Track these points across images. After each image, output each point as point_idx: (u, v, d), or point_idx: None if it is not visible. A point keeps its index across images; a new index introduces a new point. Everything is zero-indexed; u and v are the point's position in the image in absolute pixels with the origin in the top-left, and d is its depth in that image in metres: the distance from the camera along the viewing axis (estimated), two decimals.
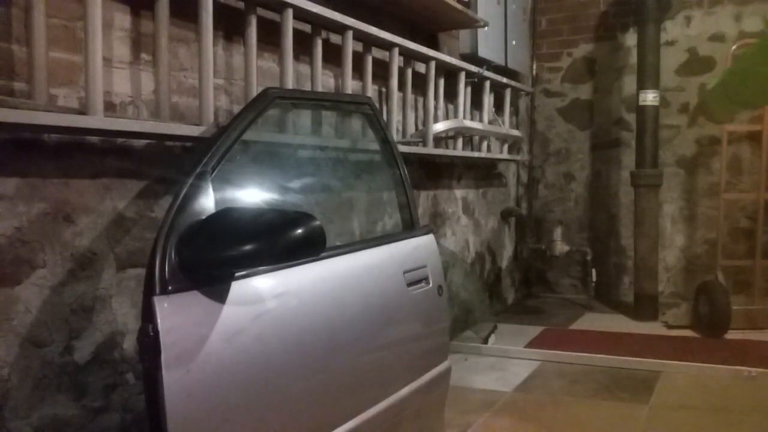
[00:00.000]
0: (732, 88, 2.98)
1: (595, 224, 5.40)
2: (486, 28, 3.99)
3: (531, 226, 5.54)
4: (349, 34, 2.71)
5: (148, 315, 1.34)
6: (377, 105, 2.53)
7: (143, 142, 2.02)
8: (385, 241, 2.13)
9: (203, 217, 1.47)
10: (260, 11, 2.34)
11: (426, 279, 2.14)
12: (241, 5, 2.30)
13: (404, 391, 2.00)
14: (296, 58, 2.56)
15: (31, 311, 1.74)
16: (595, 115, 5.36)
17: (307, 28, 2.61)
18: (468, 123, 3.88)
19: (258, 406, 1.51)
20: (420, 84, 3.49)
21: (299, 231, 1.44)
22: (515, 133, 4.72)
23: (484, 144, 4.25)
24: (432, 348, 2.20)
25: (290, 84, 2.40)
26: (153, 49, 2.02)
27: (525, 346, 3.93)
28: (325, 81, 2.80)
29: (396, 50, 3.06)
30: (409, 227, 2.25)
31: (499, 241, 5.03)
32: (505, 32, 4.46)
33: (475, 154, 4.14)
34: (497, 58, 4.35)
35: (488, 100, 4.19)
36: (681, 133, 4.99)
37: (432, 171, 3.94)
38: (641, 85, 4.57)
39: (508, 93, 4.53)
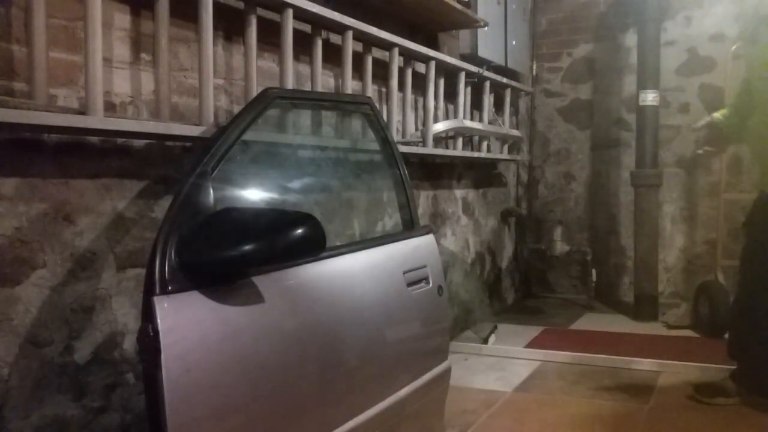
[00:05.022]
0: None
1: (595, 224, 5.40)
2: (486, 28, 3.98)
3: (531, 226, 5.54)
4: (349, 34, 2.71)
5: (148, 315, 1.34)
6: (377, 105, 2.52)
7: (143, 142, 2.02)
8: (385, 241, 2.13)
9: (203, 217, 1.47)
10: (260, 11, 2.34)
11: (426, 279, 2.14)
12: (241, 5, 2.30)
13: (404, 391, 2.00)
14: (296, 58, 2.56)
15: (31, 311, 1.74)
16: (595, 115, 5.36)
17: (307, 28, 2.61)
18: (468, 123, 3.88)
19: (258, 406, 1.51)
20: (420, 84, 3.48)
21: (299, 231, 1.44)
22: (515, 133, 4.72)
23: (484, 144, 4.25)
24: (432, 348, 2.20)
25: (290, 84, 2.40)
26: (153, 49, 2.02)
27: (525, 346, 3.93)
28: (325, 81, 2.80)
29: (396, 50, 3.06)
30: (409, 227, 2.25)
31: (499, 241, 5.03)
32: (505, 32, 4.46)
33: (475, 154, 4.14)
34: (497, 58, 4.35)
35: (488, 100, 4.19)
36: (681, 133, 4.99)
37: (432, 171, 3.94)
38: (641, 85, 4.57)
39: (508, 93, 4.53)
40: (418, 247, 2.18)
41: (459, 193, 4.31)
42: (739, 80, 3.23)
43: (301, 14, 2.46)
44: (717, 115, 3.30)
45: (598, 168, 5.38)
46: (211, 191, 1.51)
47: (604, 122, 5.32)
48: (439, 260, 2.24)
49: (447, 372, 2.25)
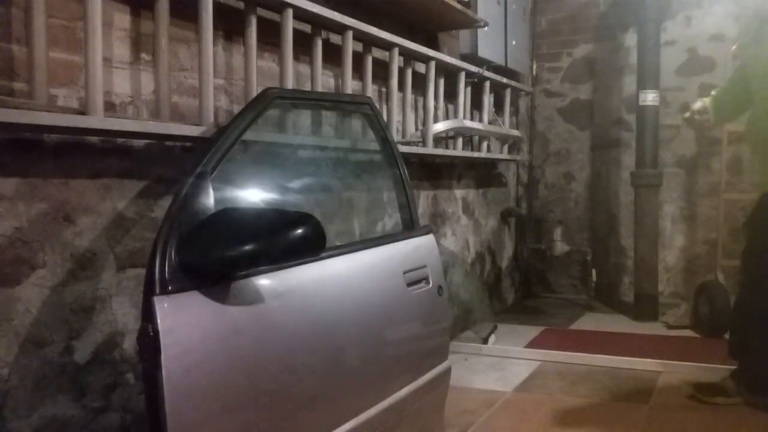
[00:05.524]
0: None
1: (595, 224, 5.40)
2: (486, 28, 3.99)
3: (531, 226, 5.54)
4: (349, 34, 2.71)
5: (148, 315, 1.34)
6: (377, 105, 2.52)
7: (143, 142, 2.02)
8: (385, 241, 2.13)
9: (203, 217, 1.47)
10: (260, 11, 2.34)
11: (426, 279, 2.14)
12: (241, 5, 2.30)
13: (404, 391, 2.00)
14: (296, 58, 2.56)
15: (31, 311, 1.74)
16: (595, 115, 5.36)
17: (307, 28, 2.61)
18: (468, 123, 3.88)
19: (258, 406, 1.51)
20: (420, 84, 3.49)
21: (299, 231, 1.44)
22: (515, 133, 4.72)
23: (484, 144, 4.25)
24: (432, 348, 2.20)
25: (290, 84, 2.40)
26: (153, 49, 2.02)
27: (525, 346, 3.93)
28: (325, 81, 2.80)
29: (396, 50, 3.06)
30: (409, 227, 2.25)
31: (499, 241, 5.03)
32: (505, 32, 4.46)
33: (475, 154, 4.14)
34: (497, 58, 4.35)
35: (488, 100, 4.19)
36: (681, 133, 4.99)
37: (432, 171, 3.94)
38: (641, 85, 4.57)
39: (508, 93, 4.53)
40: (418, 247, 2.18)
41: (459, 193, 4.31)
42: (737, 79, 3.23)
43: (301, 14, 2.46)
44: (706, 100, 3.31)
45: (598, 168, 5.38)
46: (211, 191, 1.51)
47: (604, 122, 5.32)
48: (439, 260, 2.24)
49: (447, 372, 2.25)
